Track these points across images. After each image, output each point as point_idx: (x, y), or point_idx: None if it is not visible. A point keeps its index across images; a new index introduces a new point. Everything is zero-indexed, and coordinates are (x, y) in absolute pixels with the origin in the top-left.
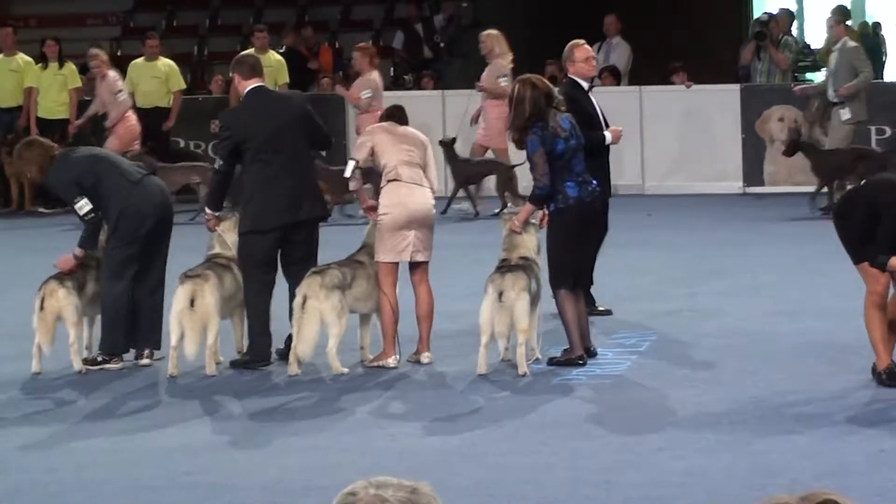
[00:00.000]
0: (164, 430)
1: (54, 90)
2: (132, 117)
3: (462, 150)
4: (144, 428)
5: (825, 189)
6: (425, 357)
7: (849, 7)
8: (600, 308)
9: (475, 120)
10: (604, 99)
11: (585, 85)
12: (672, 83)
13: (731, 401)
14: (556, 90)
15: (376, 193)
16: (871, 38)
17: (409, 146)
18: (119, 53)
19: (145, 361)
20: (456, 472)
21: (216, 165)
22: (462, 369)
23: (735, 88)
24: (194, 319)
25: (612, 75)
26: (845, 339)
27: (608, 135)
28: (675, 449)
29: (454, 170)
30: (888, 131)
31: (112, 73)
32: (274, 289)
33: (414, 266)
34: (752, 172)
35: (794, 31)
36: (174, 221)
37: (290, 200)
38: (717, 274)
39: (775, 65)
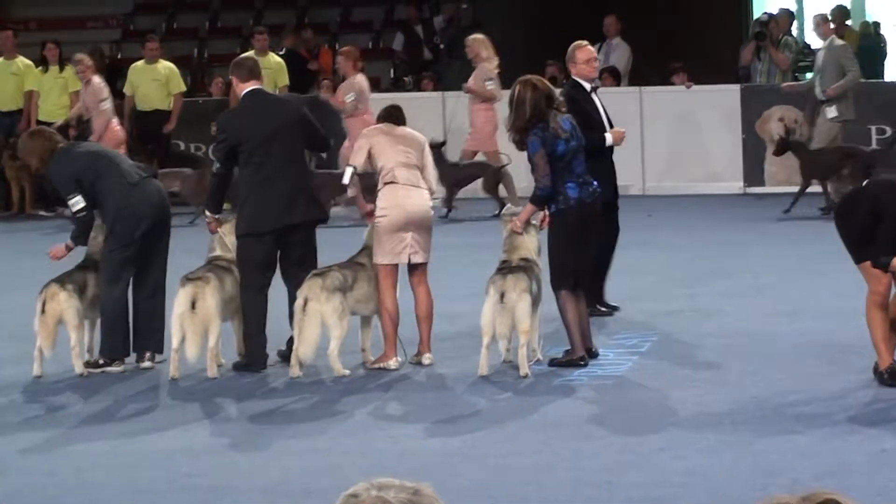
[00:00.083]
0: (165, 433)
1: (55, 93)
2: (115, 122)
3: (453, 152)
4: (145, 430)
5: (819, 189)
6: (426, 358)
7: (848, 7)
8: (601, 308)
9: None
10: (604, 99)
11: (588, 86)
12: (672, 84)
13: (733, 401)
14: (556, 91)
15: (372, 195)
16: (872, 38)
17: (406, 147)
18: (119, 56)
19: (147, 364)
20: (457, 474)
21: (214, 168)
22: (463, 371)
23: (735, 89)
24: (195, 322)
25: (612, 76)
26: (846, 338)
27: (609, 136)
28: (676, 449)
29: (442, 173)
30: (888, 131)
31: (97, 80)
32: (269, 291)
33: (412, 267)
34: (753, 173)
35: (794, 31)
36: (173, 224)
37: (284, 203)
38: (717, 274)
39: (775, 65)
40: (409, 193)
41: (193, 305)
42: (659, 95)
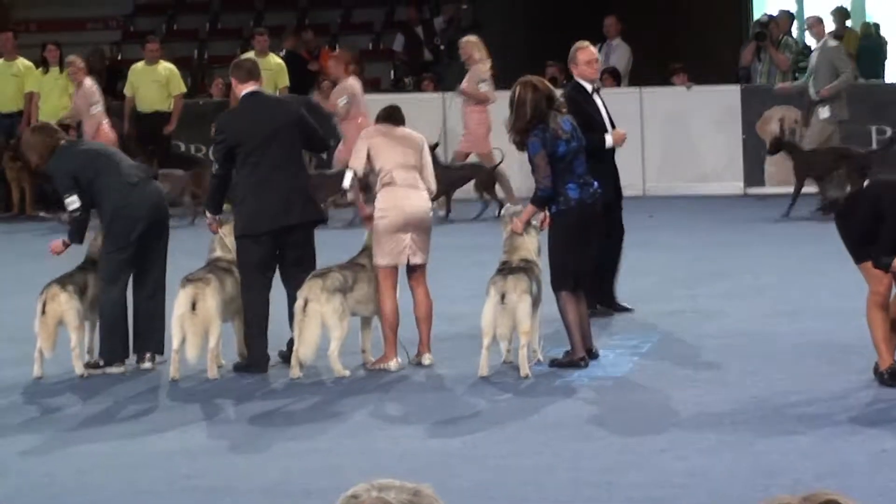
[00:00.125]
0: (165, 434)
1: (55, 95)
2: (105, 125)
3: (444, 153)
4: (145, 432)
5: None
6: (426, 358)
7: (848, 8)
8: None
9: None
10: (604, 100)
11: (589, 87)
12: (672, 84)
13: (733, 401)
14: (557, 92)
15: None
16: (873, 39)
17: (405, 148)
18: (119, 57)
19: (147, 365)
20: (458, 474)
21: (213, 169)
22: (463, 371)
23: (735, 89)
24: (196, 323)
25: (612, 77)
26: (846, 339)
27: (609, 137)
28: (677, 450)
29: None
30: (889, 131)
31: (89, 82)
32: (270, 291)
33: (411, 268)
34: (753, 173)
35: (794, 31)
36: (174, 225)
37: (281, 204)
38: (718, 275)
39: (775, 66)
40: (407, 195)
41: (194, 306)
42: (659, 96)
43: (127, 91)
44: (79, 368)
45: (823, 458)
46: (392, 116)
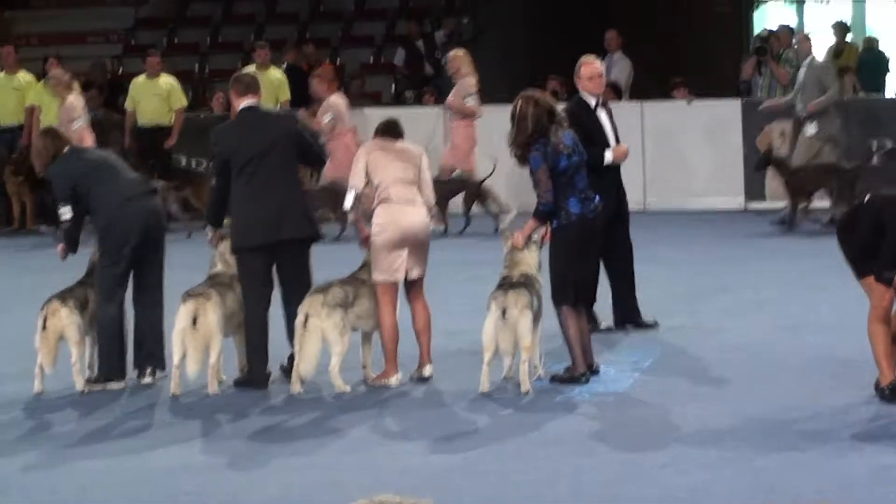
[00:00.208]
0: (166, 450)
1: (56, 108)
2: (88, 138)
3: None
4: (146, 447)
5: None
6: (427, 369)
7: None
8: (603, 325)
9: None
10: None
11: (593, 102)
12: (673, 98)
13: (734, 417)
14: (558, 107)
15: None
16: (874, 53)
17: (403, 163)
18: (120, 71)
19: (147, 380)
20: (458, 490)
21: (212, 183)
22: (464, 387)
23: (736, 103)
24: (196, 338)
25: (613, 90)
26: (847, 354)
27: (608, 153)
28: (678, 465)
29: None
30: (888, 146)
31: (71, 98)
32: (270, 306)
33: (409, 283)
34: (754, 188)
35: (795, 46)
36: (173, 240)
37: (274, 218)
38: (718, 290)
39: (776, 80)
40: (404, 210)
41: (194, 321)
42: (660, 110)
43: (128, 105)
44: (79, 384)
45: (824, 473)
46: (390, 130)
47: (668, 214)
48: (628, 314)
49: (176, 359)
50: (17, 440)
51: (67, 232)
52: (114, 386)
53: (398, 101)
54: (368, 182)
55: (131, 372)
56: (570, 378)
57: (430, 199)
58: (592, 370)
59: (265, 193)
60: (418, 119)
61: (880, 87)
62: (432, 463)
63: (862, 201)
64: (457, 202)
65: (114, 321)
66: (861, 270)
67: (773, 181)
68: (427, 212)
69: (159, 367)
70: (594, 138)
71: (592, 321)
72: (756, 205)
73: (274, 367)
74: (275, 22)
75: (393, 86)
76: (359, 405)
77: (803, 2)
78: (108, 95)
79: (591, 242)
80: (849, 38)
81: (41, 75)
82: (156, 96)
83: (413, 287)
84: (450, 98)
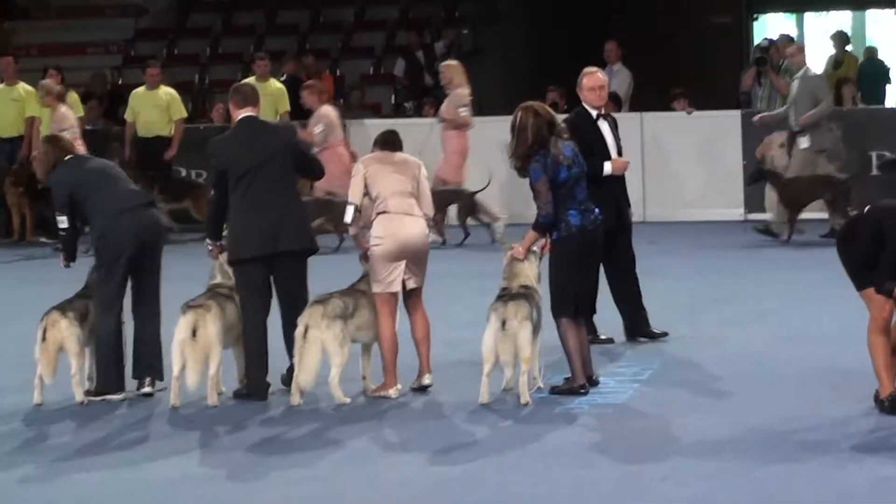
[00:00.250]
0: (166, 462)
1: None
2: (81, 149)
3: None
4: (145, 459)
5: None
6: (426, 378)
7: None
8: (602, 337)
9: None
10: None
11: (594, 113)
12: (673, 109)
13: (734, 428)
14: (558, 118)
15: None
16: (876, 63)
17: (401, 175)
18: (120, 82)
19: (146, 389)
20: (458, 501)
21: (210, 195)
22: (463, 398)
23: (736, 114)
24: (196, 349)
25: (613, 101)
26: (847, 365)
27: (607, 165)
28: (678, 477)
29: None
30: (888, 157)
31: (63, 110)
32: (268, 317)
33: (407, 293)
34: (754, 199)
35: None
36: (173, 250)
37: (267, 231)
38: (719, 301)
39: (776, 90)
40: (402, 222)
41: (194, 333)
42: (660, 121)
43: (128, 116)
44: (79, 395)
45: (824, 485)
46: (389, 142)
47: (668, 225)
48: (638, 326)
49: (175, 370)
50: (15, 451)
51: (65, 240)
52: (113, 397)
53: (398, 111)
54: (367, 194)
55: (131, 383)
56: (570, 389)
57: (429, 210)
58: (592, 382)
59: (262, 204)
60: (418, 130)
61: (881, 98)
62: (432, 474)
63: (862, 212)
64: (451, 214)
65: (111, 333)
66: (861, 282)
67: (771, 192)
68: (426, 223)
69: (158, 378)
70: (594, 150)
71: (592, 332)
72: (756, 216)
73: (273, 379)
74: (275, 33)
75: (393, 97)
76: (358, 416)
77: (803, 12)
78: (107, 106)
79: (591, 254)
80: (848, 48)
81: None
82: (155, 107)
83: (412, 297)
84: (443, 108)
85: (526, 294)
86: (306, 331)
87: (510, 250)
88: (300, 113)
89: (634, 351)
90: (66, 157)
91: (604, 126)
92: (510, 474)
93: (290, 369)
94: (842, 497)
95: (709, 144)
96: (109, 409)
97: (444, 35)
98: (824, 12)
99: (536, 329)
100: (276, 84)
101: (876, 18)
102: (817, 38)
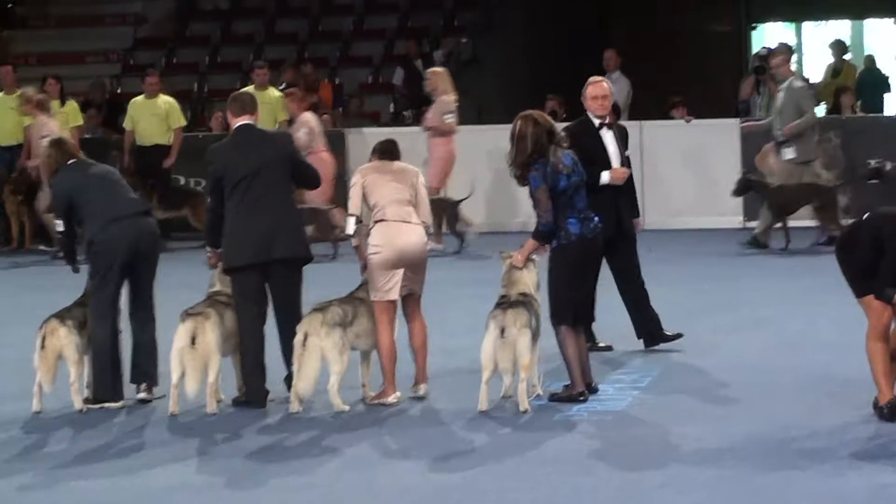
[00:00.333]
0: (164, 469)
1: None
2: None
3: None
4: (144, 466)
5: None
6: (421, 389)
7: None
8: (601, 344)
9: None
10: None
11: (597, 122)
12: (672, 118)
13: (733, 435)
14: (557, 126)
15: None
16: (875, 72)
17: (399, 184)
18: (119, 91)
19: (142, 396)
20: None
21: (208, 202)
22: (462, 406)
23: (735, 123)
24: (195, 357)
25: (611, 110)
26: (846, 372)
27: (605, 175)
28: (676, 484)
29: None
30: (888, 166)
31: (43, 118)
32: (265, 325)
33: (406, 300)
34: (752, 207)
35: (793, 65)
36: (172, 258)
37: (261, 239)
38: (717, 308)
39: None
40: (400, 230)
41: (193, 340)
42: (659, 129)
43: (126, 125)
44: (78, 403)
45: (823, 492)
46: (388, 151)
47: (666, 233)
48: (650, 333)
49: (174, 378)
50: (14, 459)
51: (63, 244)
52: (112, 405)
53: (396, 120)
54: (366, 204)
55: (131, 390)
56: (569, 397)
57: (427, 217)
58: (591, 389)
59: (257, 212)
60: (417, 138)
61: (879, 106)
62: (431, 482)
63: (861, 219)
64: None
65: (105, 341)
66: (860, 289)
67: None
68: (424, 231)
69: (153, 385)
70: (594, 158)
71: (591, 340)
72: (755, 223)
73: (271, 386)
74: (274, 42)
75: (391, 105)
76: (357, 424)
77: (802, 21)
78: (106, 115)
79: (590, 263)
80: (847, 56)
81: None
82: (154, 116)
83: (410, 305)
84: (429, 116)
85: (525, 302)
86: (305, 338)
87: (509, 258)
88: None
89: (633, 358)
90: (70, 162)
91: (607, 135)
92: (509, 481)
93: (289, 377)
94: None
95: (707, 152)
96: (108, 417)
97: (442, 44)
98: (823, 21)
99: (535, 336)
100: (274, 93)
101: (874, 28)
102: (816, 48)
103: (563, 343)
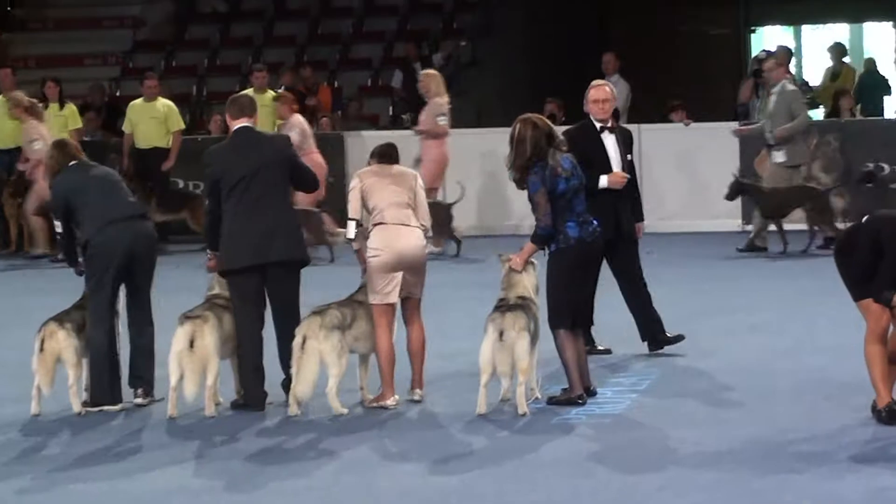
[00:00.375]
0: (163, 472)
1: (54, 131)
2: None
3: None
4: (143, 469)
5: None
6: (416, 394)
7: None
8: (600, 347)
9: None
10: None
11: (598, 126)
12: (671, 121)
13: (731, 439)
14: (556, 129)
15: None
16: (875, 75)
17: (398, 187)
18: (118, 94)
19: (137, 401)
20: None
21: (206, 205)
22: (461, 409)
23: (734, 126)
24: (194, 360)
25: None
26: (844, 375)
27: (604, 179)
28: (675, 487)
29: None
30: (886, 169)
31: (32, 123)
32: (263, 327)
33: (405, 304)
34: (751, 210)
35: (793, 68)
36: (171, 262)
37: (261, 240)
38: (715, 311)
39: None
40: (399, 233)
41: (192, 343)
42: (657, 133)
43: (125, 127)
44: (76, 406)
45: (821, 495)
46: (386, 155)
47: (664, 236)
48: (654, 336)
49: (173, 381)
50: (13, 462)
51: (62, 246)
52: (111, 408)
53: (396, 123)
54: (365, 207)
55: (129, 393)
56: (567, 400)
57: (426, 220)
58: (589, 392)
59: (255, 214)
60: (415, 141)
61: (880, 110)
62: (430, 485)
63: (860, 223)
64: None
65: (102, 345)
66: (859, 292)
67: None
68: (423, 234)
69: (148, 389)
70: (593, 162)
71: (589, 343)
72: (752, 227)
73: (270, 389)
74: (273, 45)
75: (391, 108)
76: (356, 427)
77: (801, 25)
78: (105, 118)
79: (589, 266)
80: (846, 60)
81: (38, 98)
82: (153, 119)
83: (409, 309)
84: (422, 120)
85: (523, 305)
86: (304, 341)
87: (507, 262)
88: None
89: (632, 362)
90: (71, 163)
91: (608, 139)
92: (508, 484)
93: (286, 381)
94: None
95: (706, 156)
96: (106, 420)
97: (442, 47)
98: (822, 25)
99: (534, 340)
100: (273, 95)
101: (873, 31)
102: (815, 51)
103: (561, 346)
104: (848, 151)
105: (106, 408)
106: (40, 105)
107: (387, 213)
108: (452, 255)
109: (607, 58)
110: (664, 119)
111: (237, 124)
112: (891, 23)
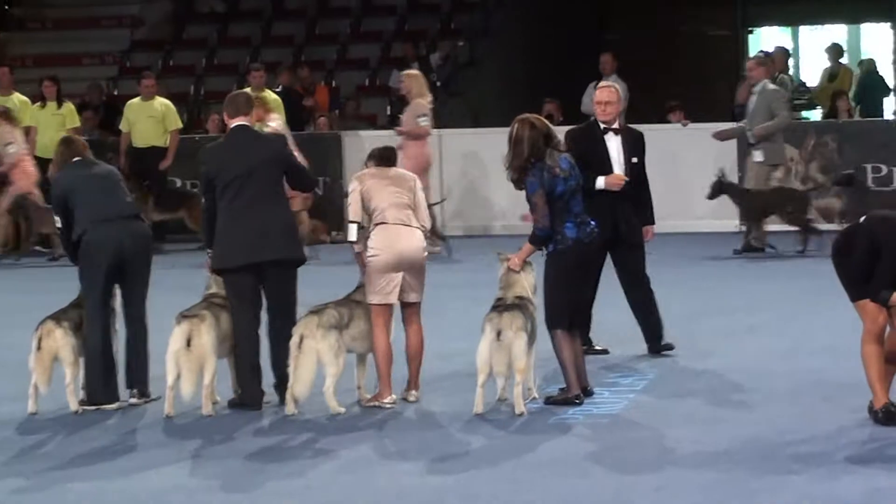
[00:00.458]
0: (159, 471)
1: (52, 129)
2: (27, 162)
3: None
4: (140, 468)
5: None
6: (412, 396)
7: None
8: (597, 347)
9: None
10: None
11: (602, 126)
12: (668, 121)
13: (729, 439)
14: (554, 130)
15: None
16: (874, 76)
17: (397, 188)
18: (116, 93)
19: (132, 401)
20: None
21: (203, 204)
22: (458, 409)
23: (731, 127)
24: (191, 359)
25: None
26: (841, 376)
27: (601, 180)
28: (672, 487)
29: None
30: (884, 169)
31: (6, 128)
32: (260, 326)
33: (404, 306)
34: None
35: (790, 69)
36: (168, 261)
37: (256, 239)
38: (713, 312)
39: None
40: (399, 233)
41: (189, 342)
42: (655, 133)
43: (123, 127)
44: (73, 404)
45: (818, 496)
46: (384, 157)
47: (663, 237)
48: (654, 336)
49: (170, 380)
50: (9, 461)
51: (63, 241)
52: (108, 406)
53: (393, 123)
54: (365, 209)
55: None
56: (565, 400)
57: (425, 221)
58: (587, 392)
59: (249, 213)
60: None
61: (878, 110)
62: (427, 484)
63: (858, 223)
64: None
65: (97, 344)
66: (856, 293)
67: None
68: (423, 234)
69: (142, 389)
70: (592, 163)
71: (587, 343)
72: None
73: (267, 388)
74: (270, 44)
75: (388, 108)
76: (353, 426)
77: (798, 26)
78: (103, 117)
79: (586, 267)
80: (843, 60)
81: (36, 97)
82: (150, 118)
83: (408, 311)
84: (403, 120)
85: (521, 305)
86: (301, 341)
87: (506, 261)
88: (294, 123)
89: (629, 362)
90: (74, 160)
91: (612, 141)
92: (505, 484)
93: (282, 379)
94: None
95: (704, 156)
96: (103, 419)
97: (439, 47)
98: (819, 26)
99: (531, 339)
100: (271, 95)
101: (871, 32)
102: (813, 52)
103: (558, 347)
104: (845, 152)
105: (103, 406)
106: (12, 111)
107: (388, 213)
108: (445, 255)
109: (605, 58)
110: (662, 120)
111: (234, 123)
112: (888, 24)
